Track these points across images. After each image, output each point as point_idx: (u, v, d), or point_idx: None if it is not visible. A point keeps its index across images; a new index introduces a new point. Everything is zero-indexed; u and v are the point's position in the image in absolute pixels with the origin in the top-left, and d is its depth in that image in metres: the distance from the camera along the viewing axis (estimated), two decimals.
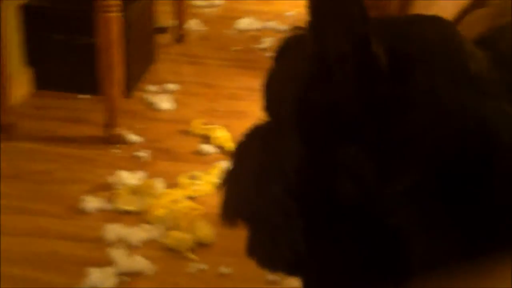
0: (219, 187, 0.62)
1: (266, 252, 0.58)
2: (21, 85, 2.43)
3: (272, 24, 3.32)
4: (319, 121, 0.52)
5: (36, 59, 2.50)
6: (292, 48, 0.58)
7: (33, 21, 2.47)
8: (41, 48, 2.49)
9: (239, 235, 0.58)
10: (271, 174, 0.56)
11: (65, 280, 1.56)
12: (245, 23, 3.30)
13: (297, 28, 0.58)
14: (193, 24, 3.27)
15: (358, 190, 0.51)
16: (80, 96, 2.49)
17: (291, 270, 0.58)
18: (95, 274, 1.58)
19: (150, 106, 2.47)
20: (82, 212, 1.84)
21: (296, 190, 0.54)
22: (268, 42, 3.05)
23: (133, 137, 2.24)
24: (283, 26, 3.23)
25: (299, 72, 0.53)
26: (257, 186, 0.57)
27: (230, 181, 0.62)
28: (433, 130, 0.49)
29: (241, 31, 3.24)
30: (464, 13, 2.47)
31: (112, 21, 2.13)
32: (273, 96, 0.57)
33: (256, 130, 0.62)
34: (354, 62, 0.50)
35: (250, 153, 0.61)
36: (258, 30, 3.25)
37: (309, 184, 0.53)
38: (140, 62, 2.72)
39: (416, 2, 2.43)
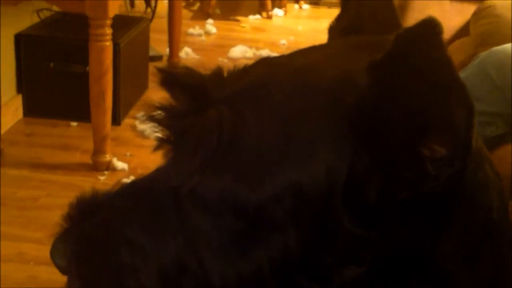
0: None
1: None
2: (11, 112, 2.47)
3: (265, 52, 3.36)
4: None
5: (27, 86, 2.54)
6: None
7: (28, 50, 2.52)
8: (33, 75, 2.53)
9: None
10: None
11: None
12: (238, 51, 3.35)
13: None
14: (187, 52, 3.32)
15: None
16: (70, 123, 2.53)
17: None
18: None
19: (140, 134, 2.50)
20: None
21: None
22: None
23: (120, 164, 2.27)
24: (276, 54, 3.26)
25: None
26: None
27: None
28: None
29: (234, 59, 3.28)
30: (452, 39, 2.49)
31: (104, 50, 2.14)
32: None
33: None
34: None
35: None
36: (251, 58, 3.28)
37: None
38: (133, 90, 2.75)
39: (411, 2, 2.46)
